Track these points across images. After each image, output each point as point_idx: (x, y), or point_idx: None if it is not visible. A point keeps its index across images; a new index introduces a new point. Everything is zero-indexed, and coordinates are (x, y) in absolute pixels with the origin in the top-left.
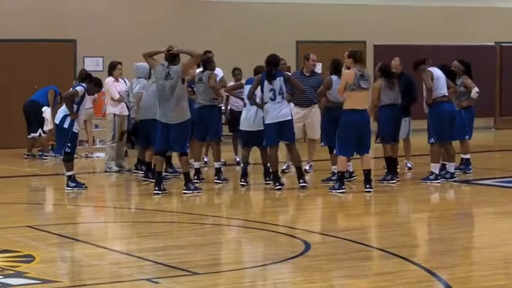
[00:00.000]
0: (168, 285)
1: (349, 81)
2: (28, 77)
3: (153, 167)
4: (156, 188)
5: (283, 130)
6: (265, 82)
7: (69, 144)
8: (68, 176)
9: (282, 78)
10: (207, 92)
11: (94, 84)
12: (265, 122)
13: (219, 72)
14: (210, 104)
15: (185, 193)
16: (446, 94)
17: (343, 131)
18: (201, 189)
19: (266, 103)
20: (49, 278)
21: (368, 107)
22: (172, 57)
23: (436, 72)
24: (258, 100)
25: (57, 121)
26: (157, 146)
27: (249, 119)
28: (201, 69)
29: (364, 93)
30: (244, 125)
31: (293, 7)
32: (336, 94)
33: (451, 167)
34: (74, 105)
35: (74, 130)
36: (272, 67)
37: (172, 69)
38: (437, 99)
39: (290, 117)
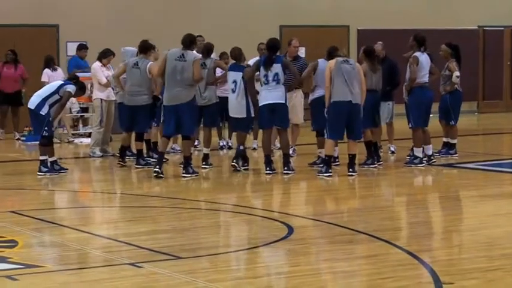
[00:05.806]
0: (151, 269)
1: (332, 68)
2: None
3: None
4: (157, 167)
5: (275, 114)
6: (261, 67)
7: (46, 128)
8: (41, 160)
9: (280, 64)
10: (209, 78)
11: (79, 88)
12: (259, 105)
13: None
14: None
15: (184, 176)
16: (427, 81)
17: (333, 116)
18: (198, 173)
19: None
20: (32, 262)
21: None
22: (189, 42)
23: (422, 58)
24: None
25: (32, 106)
26: (165, 130)
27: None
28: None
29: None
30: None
31: None
32: (322, 78)
33: (428, 149)
34: (57, 95)
35: (49, 117)
36: (272, 52)
37: (188, 53)
38: (418, 84)
39: (283, 101)
